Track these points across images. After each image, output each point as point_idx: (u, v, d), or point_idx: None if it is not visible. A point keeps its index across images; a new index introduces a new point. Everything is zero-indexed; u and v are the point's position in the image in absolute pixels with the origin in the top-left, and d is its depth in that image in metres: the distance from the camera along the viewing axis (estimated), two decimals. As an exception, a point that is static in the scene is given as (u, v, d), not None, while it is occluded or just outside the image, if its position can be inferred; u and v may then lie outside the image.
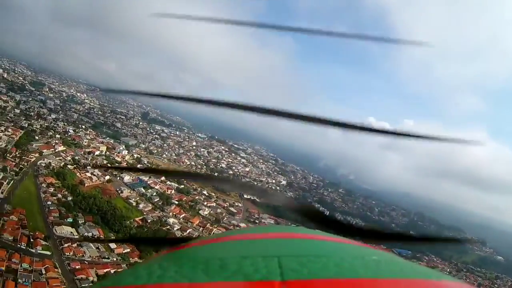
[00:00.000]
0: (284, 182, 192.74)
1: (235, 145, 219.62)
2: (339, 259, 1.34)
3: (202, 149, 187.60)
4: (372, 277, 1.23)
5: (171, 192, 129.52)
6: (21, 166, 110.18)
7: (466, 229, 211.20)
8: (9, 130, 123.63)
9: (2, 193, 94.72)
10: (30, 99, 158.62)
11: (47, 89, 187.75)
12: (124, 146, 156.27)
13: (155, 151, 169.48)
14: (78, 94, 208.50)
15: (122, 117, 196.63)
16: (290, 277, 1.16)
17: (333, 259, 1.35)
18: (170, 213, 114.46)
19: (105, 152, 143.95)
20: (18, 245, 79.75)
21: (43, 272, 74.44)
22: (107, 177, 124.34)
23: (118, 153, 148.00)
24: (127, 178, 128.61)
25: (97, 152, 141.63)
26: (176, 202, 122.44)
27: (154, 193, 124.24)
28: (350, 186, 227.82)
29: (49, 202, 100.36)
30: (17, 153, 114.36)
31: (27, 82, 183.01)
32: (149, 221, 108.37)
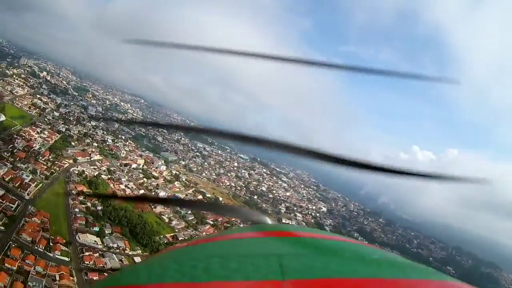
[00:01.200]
0: (324, 209, 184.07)
1: (277, 169, 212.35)
2: (339, 258, 1.38)
3: (243, 171, 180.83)
4: (373, 277, 1.23)
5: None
6: (52, 170, 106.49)
7: (505, 265, 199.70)
8: (45, 132, 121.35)
9: (28, 194, 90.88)
10: (72, 103, 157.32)
11: (91, 95, 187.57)
12: (163, 161, 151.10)
13: (195, 169, 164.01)
14: (122, 103, 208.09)
15: (164, 131, 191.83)
16: (290, 276, 1.17)
17: (334, 258, 1.39)
18: (204, 233, 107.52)
19: (143, 166, 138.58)
20: (36, 247, 75.69)
21: (57, 278, 70.08)
22: (142, 191, 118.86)
23: (156, 168, 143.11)
24: (162, 193, 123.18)
25: (134, 165, 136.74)
26: (211, 222, 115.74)
27: (189, 211, 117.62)
28: (391, 215, 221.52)
29: (76, 210, 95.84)
30: (50, 157, 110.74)
31: (70, 86, 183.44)
32: (180, 238, 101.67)
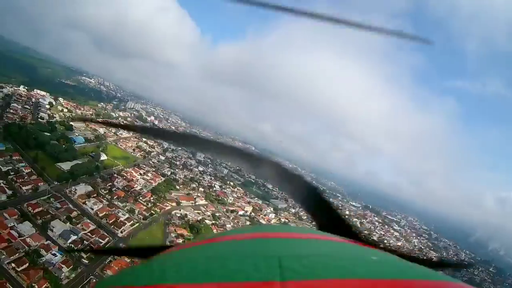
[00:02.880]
0: (435, 259, 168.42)
1: (389, 216, 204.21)
2: (339, 259, 1.35)
3: (355, 219, 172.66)
4: (372, 278, 1.21)
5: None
6: (152, 211, 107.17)
7: None
8: (149, 174, 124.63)
9: (121, 232, 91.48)
10: (179, 148, 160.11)
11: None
12: (272, 209, 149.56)
13: (305, 217, 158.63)
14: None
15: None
16: (290, 277, 1.15)
17: (333, 259, 1.36)
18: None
19: (250, 212, 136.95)
20: (122, 287, 73.75)
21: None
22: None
23: (265, 215, 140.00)
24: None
25: (241, 212, 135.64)
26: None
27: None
28: (501, 263, 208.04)
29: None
30: (151, 198, 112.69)
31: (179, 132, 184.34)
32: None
